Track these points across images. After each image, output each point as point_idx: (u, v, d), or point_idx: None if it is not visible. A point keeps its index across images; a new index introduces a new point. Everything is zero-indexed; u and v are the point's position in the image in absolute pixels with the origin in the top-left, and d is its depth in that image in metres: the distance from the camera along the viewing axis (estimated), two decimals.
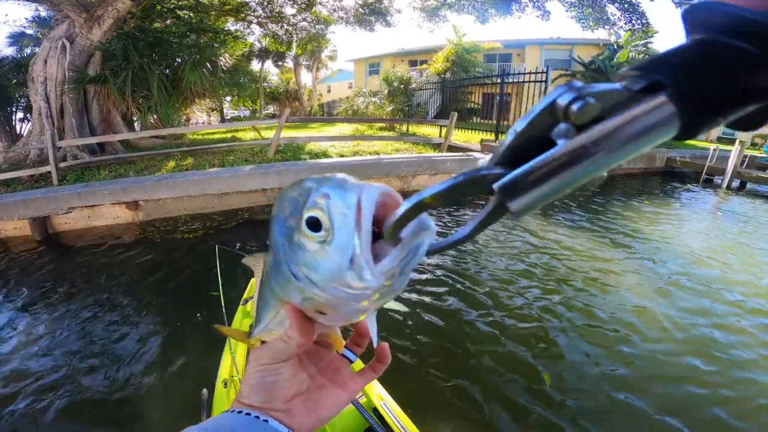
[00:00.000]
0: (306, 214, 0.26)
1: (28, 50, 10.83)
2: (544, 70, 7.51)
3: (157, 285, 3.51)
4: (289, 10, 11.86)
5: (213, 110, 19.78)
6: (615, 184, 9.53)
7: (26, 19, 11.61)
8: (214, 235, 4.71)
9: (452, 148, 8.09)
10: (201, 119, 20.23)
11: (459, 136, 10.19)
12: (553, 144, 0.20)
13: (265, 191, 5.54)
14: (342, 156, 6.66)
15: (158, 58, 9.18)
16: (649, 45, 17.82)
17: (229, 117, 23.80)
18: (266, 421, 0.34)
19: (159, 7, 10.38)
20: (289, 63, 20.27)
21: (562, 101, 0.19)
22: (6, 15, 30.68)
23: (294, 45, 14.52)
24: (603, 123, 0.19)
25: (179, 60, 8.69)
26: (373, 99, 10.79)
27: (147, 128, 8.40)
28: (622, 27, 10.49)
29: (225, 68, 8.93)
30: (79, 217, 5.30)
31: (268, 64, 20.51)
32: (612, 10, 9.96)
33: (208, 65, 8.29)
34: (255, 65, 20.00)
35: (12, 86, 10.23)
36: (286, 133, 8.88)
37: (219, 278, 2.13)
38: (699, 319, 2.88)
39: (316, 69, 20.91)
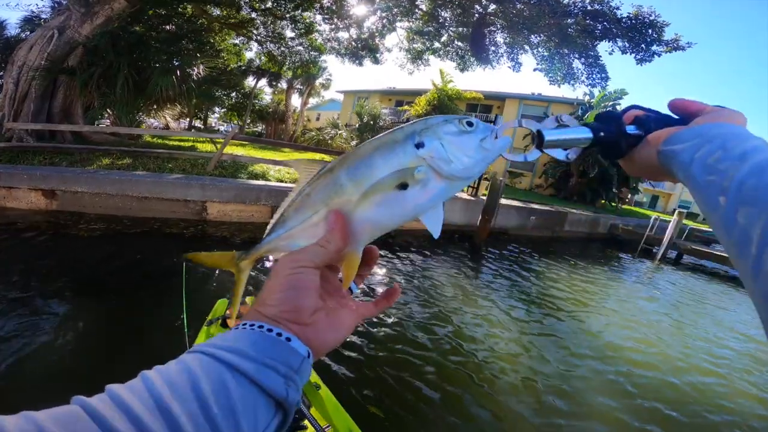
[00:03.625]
0: (464, 120, 0.41)
1: (27, 34, 10.86)
2: (493, 120, 7.63)
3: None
4: (288, 33, 12.56)
5: (196, 118, 19.90)
6: (555, 246, 9.82)
7: (37, 5, 11.93)
8: (113, 237, 4.76)
9: None
10: (170, 125, 20.43)
11: None
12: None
13: (187, 202, 5.66)
14: (280, 180, 6.87)
15: (137, 59, 9.51)
16: (617, 106, 19.13)
17: (216, 129, 24.28)
18: (289, 339, 0.31)
19: (151, 12, 10.85)
20: (284, 85, 20.97)
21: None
22: None
23: (286, 67, 15.23)
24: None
25: (158, 65, 9.01)
26: (340, 131, 11.17)
27: (98, 123, 8.51)
28: (584, 81, 10.97)
29: (196, 78, 9.24)
30: None
31: (263, 83, 21.20)
32: (577, 64, 10.58)
33: (178, 73, 8.58)
34: (250, 81, 20.68)
35: None
36: (253, 153, 9.15)
37: (184, 295, 2.11)
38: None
39: (307, 95, 21.64)
